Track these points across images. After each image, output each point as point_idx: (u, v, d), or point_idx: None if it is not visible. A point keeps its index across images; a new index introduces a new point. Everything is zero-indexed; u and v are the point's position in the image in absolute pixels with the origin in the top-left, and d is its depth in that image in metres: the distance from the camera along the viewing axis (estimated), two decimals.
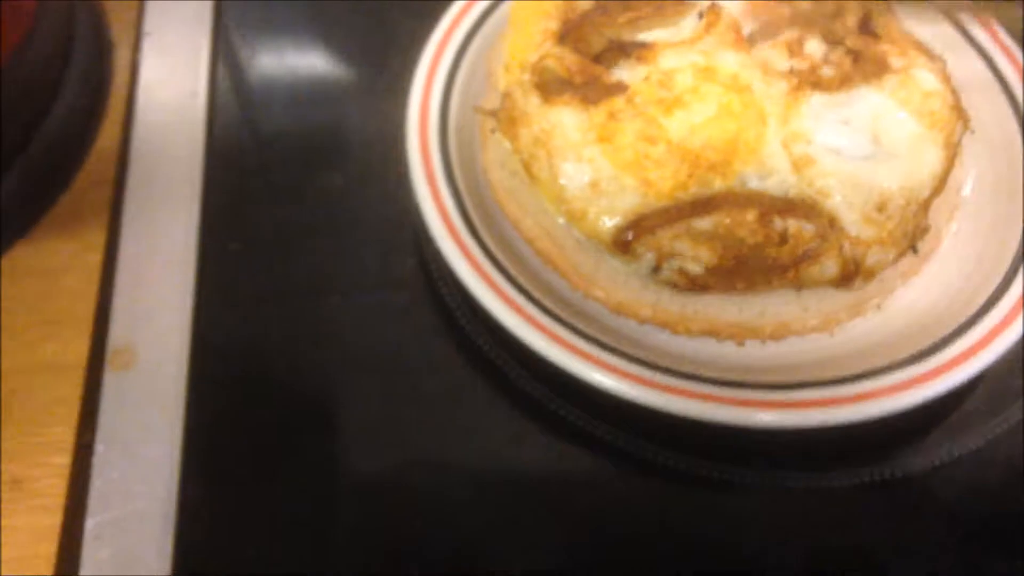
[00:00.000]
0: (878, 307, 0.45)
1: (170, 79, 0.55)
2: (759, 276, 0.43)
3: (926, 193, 0.44)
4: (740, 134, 0.44)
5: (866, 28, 0.48)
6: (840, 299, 0.44)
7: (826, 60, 0.46)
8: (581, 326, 0.42)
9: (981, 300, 0.43)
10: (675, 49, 0.46)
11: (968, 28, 0.50)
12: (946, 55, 0.49)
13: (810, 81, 0.45)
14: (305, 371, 0.47)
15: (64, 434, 0.44)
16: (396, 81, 0.50)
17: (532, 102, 0.45)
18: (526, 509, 0.43)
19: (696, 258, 0.42)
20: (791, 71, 0.46)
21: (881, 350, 0.43)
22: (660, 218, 0.43)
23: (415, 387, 0.46)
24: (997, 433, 0.45)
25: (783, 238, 0.42)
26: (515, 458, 0.44)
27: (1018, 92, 0.49)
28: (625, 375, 0.41)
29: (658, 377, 0.41)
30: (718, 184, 0.43)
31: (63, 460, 0.43)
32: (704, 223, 0.42)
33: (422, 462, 0.44)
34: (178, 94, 0.55)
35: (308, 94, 0.57)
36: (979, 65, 0.50)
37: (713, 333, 0.44)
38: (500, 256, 0.44)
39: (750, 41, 0.47)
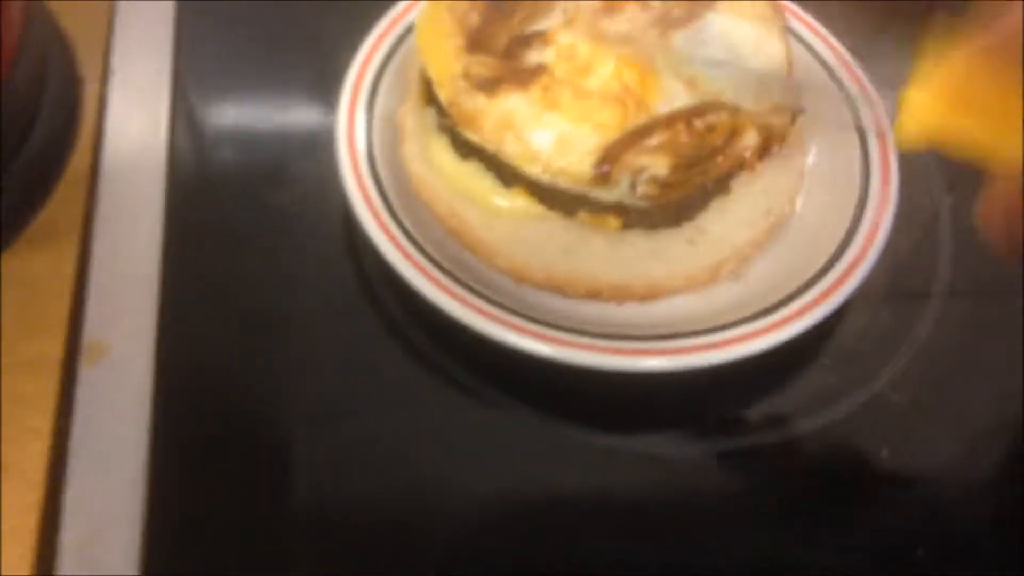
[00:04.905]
0: (735, 276, 0.53)
1: (135, 112, 0.61)
2: (710, 165, 0.51)
3: (786, 69, 0.54)
4: (641, 76, 0.53)
5: None
6: (698, 261, 0.52)
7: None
8: (488, 293, 0.48)
9: (822, 262, 0.50)
10: (564, 30, 0.55)
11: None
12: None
13: (667, 24, 0.55)
14: (259, 353, 0.52)
15: (45, 422, 0.48)
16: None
17: (480, 101, 0.52)
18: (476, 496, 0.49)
19: (658, 165, 0.50)
20: (653, 21, 0.55)
21: (737, 309, 0.50)
22: (619, 147, 0.50)
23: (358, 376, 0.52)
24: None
25: (710, 128, 0.51)
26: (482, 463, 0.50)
27: (842, 75, 0.58)
28: (524, 331, 0.47)
29: (551, 332, 0.47)
30: (644, 116, 0.52)
31: (44, 445, 0.47)
32: (652, 141, 0.50)
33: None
34: (142, 126, 0.61)
35: (257, 125, 0.64)
36: (801, 52, 0.59)
37: (596, 294, 0.51)
38: (418, 236, 0.50)
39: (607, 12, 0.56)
